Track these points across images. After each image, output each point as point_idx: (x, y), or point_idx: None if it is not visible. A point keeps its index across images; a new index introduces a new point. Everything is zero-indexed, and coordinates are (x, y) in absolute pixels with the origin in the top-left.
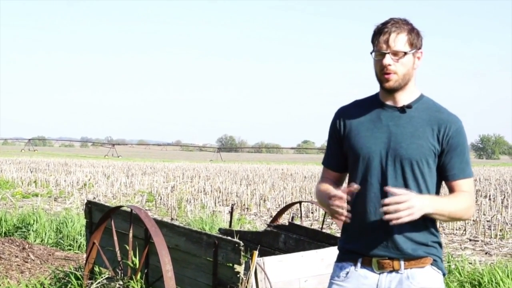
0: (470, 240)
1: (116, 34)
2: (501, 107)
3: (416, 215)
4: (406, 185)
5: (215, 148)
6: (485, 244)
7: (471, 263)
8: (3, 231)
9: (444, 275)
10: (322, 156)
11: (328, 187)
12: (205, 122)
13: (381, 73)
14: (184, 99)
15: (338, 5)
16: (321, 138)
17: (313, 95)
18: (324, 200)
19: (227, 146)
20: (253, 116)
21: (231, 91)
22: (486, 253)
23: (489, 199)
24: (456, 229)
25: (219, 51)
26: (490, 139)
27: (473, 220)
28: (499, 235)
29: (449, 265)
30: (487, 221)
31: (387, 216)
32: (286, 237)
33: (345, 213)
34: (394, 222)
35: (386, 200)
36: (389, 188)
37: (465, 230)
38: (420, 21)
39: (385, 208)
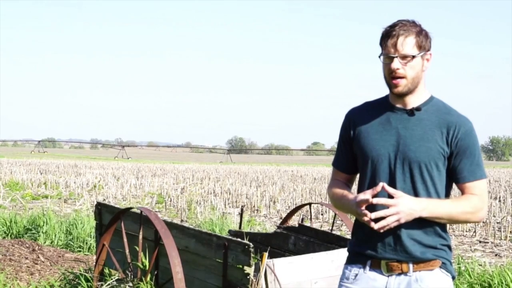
0: (480, 242)
1: (126, 36)
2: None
3: (403, 220)
4: (414, 188)
5: (225, 150)
6: (495, 246)
7: (481, 265)
8: (13, 233)
9: (453, 278)
10: (332, 157)
11: (348, 193)
12: (215, 124)
13: (390, 77)
14: (194, 101)
15: (348, 7)
16: (331, 139)
17: (322, 97)
18: (349, 206)
19: (237, 148)
20: (263, 118)
21: (241, 93)
22: (496, 255)
23: (499, 201)
24: (466, 231)
25: (229, 53)
26: (500, 141)
27: (483, 222)
28: (509, 236)
29: (459, 267)
30: (497, 223)
31: (376, 225)
32: (296, 239)
33: (370, 215)
34: (381, 230)
35: (374, 200)
36: (386, 187)
37: (475, 232)
38: (428, 23)
39: (373, 215)
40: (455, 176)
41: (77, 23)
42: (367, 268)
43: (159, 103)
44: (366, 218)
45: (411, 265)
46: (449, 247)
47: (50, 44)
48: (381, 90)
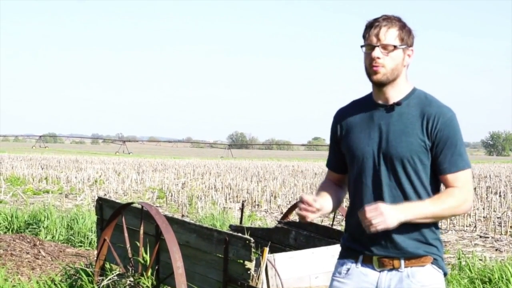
0: (481, 236)
1: (127, 31)
2: None
3: (389, 222)
4: (399, 184)
5: (225, 145)
6: (495, 241)
7: (481, 260)
8: (14, 228)
9: (445, 274)
10: None
11: (320, 192)
12: (216, 119)
13: (370, 65)
14: (195, 96)
15: (347, 1)
16: None
17: (324, 92)
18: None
19: (238, 143)
20: (264, 113)
21: (241, 88)
22: (496, 250)
23: (500, 195)
24: (467, 226)
25: (230, 48)
26: (501, 136)
27: (484, 217)
28: (510, 231)
29: (460, 262)
30: (498, 217)
31: (369, 228)
32: (296, 234)
33: (310, 216)
34: (372, 230)
35: (359, 214)
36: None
37: (475, 226)
38: (427, 17)
39: (363, 223)
40: (437, 168)
41: (78, 18)
42: (359, 263)
43: (160, 98)
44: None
45: (402, 261)
46: (441, 242)
47: (51, 38)
48: None
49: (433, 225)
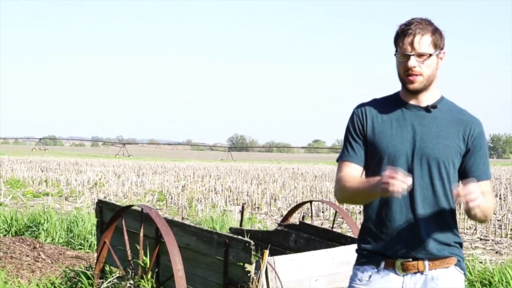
0: (481, 239)
1: (127, 33)
2: None
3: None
4: (432, 185)
5: (225, 148)
6: (495, 244)
7: (481, 263)
8: (14, 231)
9: (465, 275)
10: (333, 155)
11: (364, 178)
12: (216, 121)
13: (405, 74)
14: (195, 99)
15: (348, 5)
16: (332, 137)
17: (323, 95)
18: (375, 183)
19: (238, 146)
20: (264, 116)
21: (242, 90)
22: (496, 252)
23: (500, 198)
24: (467, 228)
25: (229, 51)
26: (501, 139)
27: None
28: (510, 234)
29: None
30: (498, 220)
31: (471, 204)
32: (296, 236)
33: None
34: (476, 210)
35: (460, 191)
36: (456, 189)
37: (475, 229)
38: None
39: (463, 198)
40: (467, 175)
41: (78, 21)
42: (381, 268)
43: (160, 101)
44: (402, 185)
45: (427, 263)
46: (461, 245)
47: (51, 41)
48: (382, 88)
49: (455, 227)
